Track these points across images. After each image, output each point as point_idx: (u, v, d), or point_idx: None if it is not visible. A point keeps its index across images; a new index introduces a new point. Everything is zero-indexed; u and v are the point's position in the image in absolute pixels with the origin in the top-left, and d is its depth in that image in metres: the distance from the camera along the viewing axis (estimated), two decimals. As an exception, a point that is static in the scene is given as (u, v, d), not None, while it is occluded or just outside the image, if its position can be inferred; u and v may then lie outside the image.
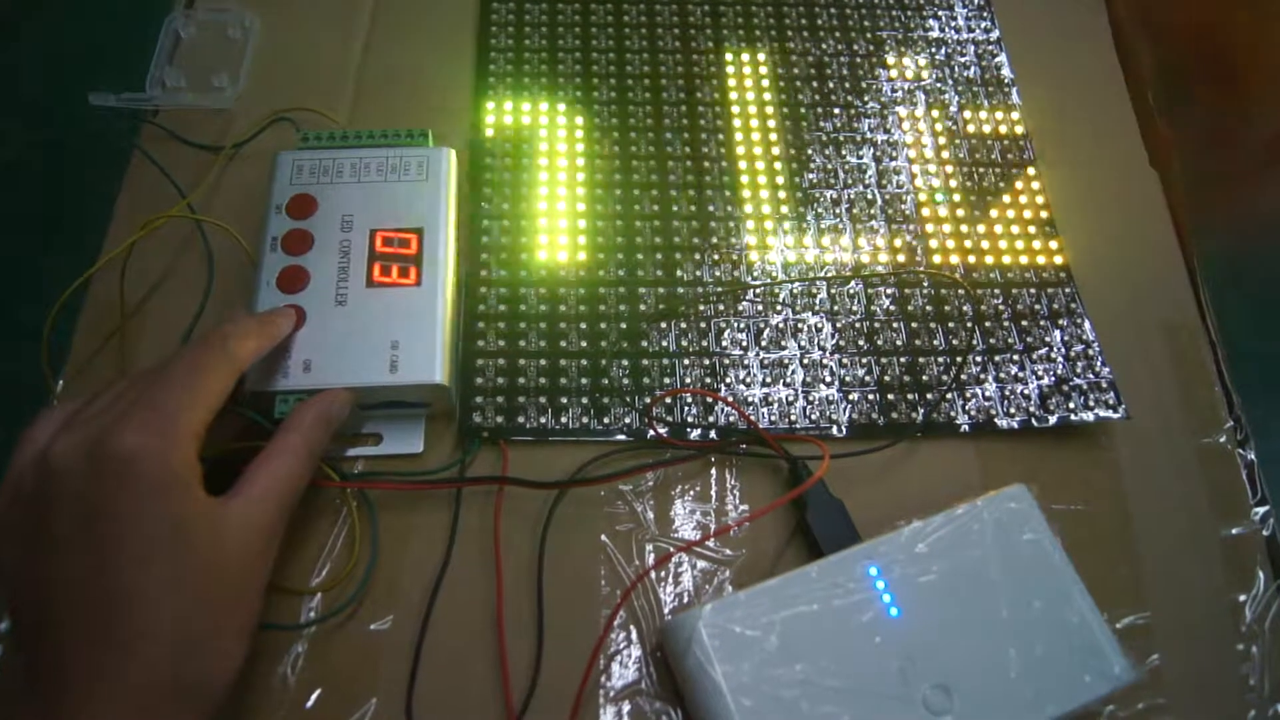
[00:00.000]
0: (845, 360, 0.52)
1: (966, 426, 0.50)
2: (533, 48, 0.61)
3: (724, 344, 0.52)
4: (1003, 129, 0.60)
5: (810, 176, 0.57)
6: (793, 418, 0.50)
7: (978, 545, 0.44)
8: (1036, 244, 0.56)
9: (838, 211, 0.56)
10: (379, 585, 0.45)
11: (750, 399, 0.50)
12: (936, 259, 0.55)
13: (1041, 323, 0.54)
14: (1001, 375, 0.52)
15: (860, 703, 0.40)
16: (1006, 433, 0.50)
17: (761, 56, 0.62)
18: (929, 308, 0.54)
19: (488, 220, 0.54)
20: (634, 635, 0.44)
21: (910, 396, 0.51)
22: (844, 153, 0.59)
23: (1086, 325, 0.54)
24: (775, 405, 0.50)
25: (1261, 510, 0.50)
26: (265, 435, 0.42)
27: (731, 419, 0.50)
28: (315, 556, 0.45)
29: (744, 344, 0.52)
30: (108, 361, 0.50)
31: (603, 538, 0.47)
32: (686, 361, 0.51)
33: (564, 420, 0.49)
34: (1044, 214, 0.57)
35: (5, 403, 0.49)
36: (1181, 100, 0.65)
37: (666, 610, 0.45)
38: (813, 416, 0.50)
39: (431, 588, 0.45)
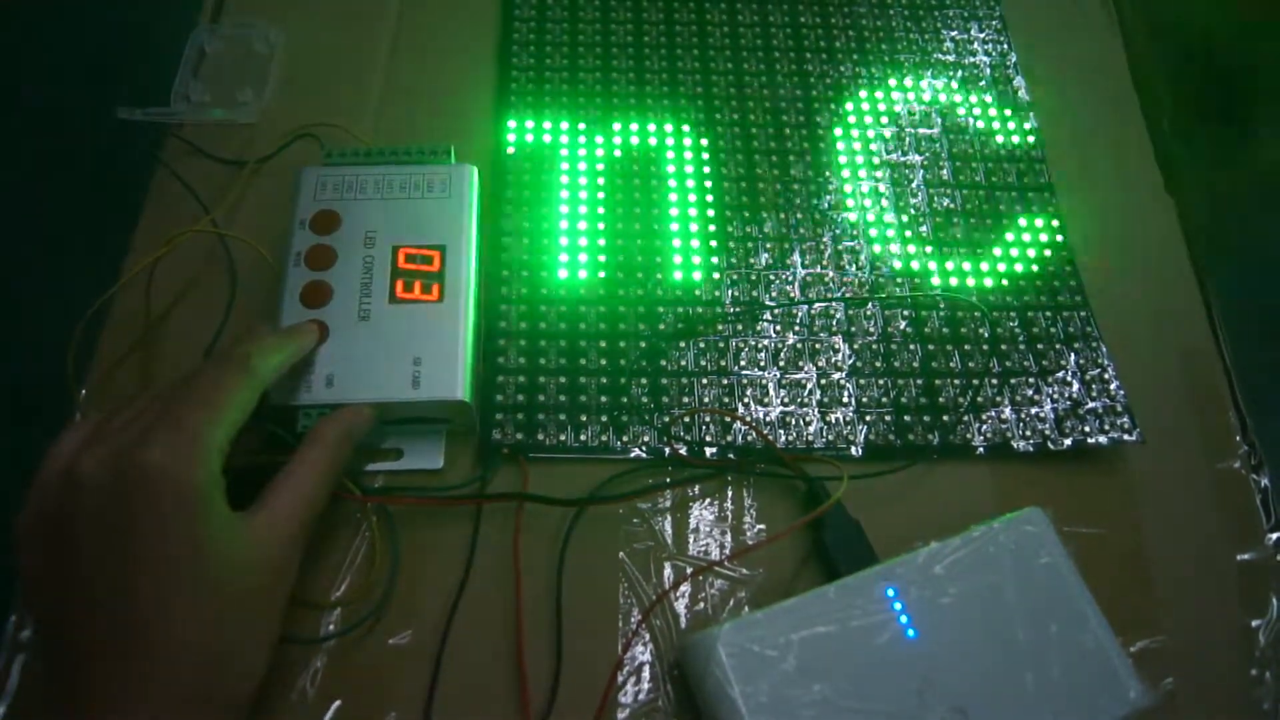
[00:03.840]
0: (862, 381, 0.52)
1: (982, 449, 0.51)
2: (554, 66, 0.62)
3: (742, 364, 0.52)
4: (1019, 152, 0.61)
5: (828, 198, 0.58)
6: (809, 438, 0.50)
7: (994, 568, 0.44)
8: (1052, 267, 0.57)
9: (855, 233, 0.57)
10: (398, 600, 0.45)
11: (768, 419, 0.50)
12: (953, 281, 0.56)
13: (1057, 346, 0.54)
14: (1017, 398, 0.52)
15: (877, 724, 0.40)
16: (1022, 455, 0.51)
17: (780, 78, 0.62)
18: (945, 330, 0.54)
19: (509, 237, 0.55)
20: (651, 653, 0.45)
21: (926, 418, 0.51)
22: (861, 174, 0.59)
23: (1102, 349, 0.54)
24: (792, 425, 0.50)
25: (1275, 535, 0.50)
26: (288, 449, 0.43)
27: (749, 439, 0.50)
28: (335, 570, 0.46)
29: (761, 364, 0.52)
30: (131, 373, 0.50)
31: (621, 555, 0.47)
32: (705, 381, 0.51)
33: (583, 438, 0.49)
34: (1060, 237, 0.58)
35: (31, 413, 0.49)
36: (1197, 125, 0.65)
37: (684, 628, 0.45)
38: (829, 437, 0.50)
39: (451, 603, 0.45)
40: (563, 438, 0.49)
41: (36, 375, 0.51)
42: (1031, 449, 0.51)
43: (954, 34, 0.66)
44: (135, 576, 0.35)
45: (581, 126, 0.59)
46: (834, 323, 0.54)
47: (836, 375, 0.52)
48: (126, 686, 0.34)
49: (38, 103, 0.60)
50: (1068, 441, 0.51)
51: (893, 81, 0.63)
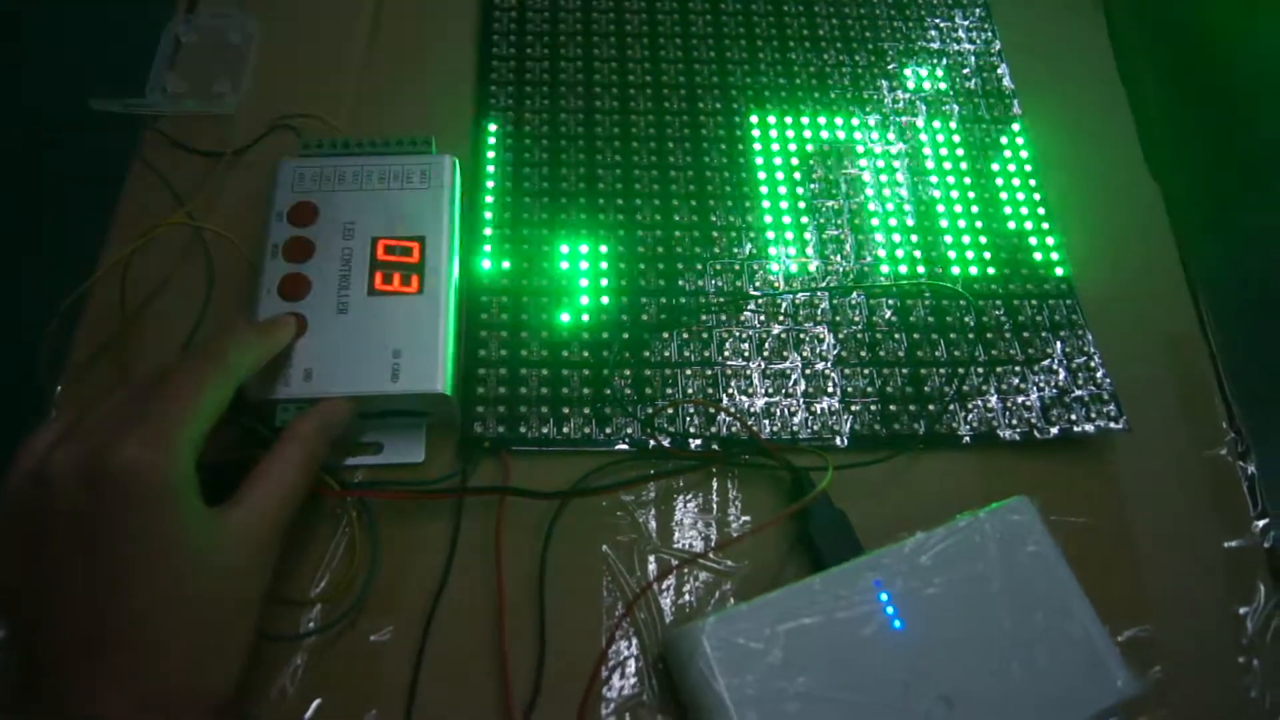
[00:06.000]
0: (847, 371, 0.52)
1: (968, 438, 0.50)
2: (535, 56, 0.61)
3: (726, 354, 0.51)
4: (1004, 140, 0.60)
5: (813, 186, 0.57)
6: (794, 428, 0.50)
7: (980, 558, 0.44)
8: (1038, 255, 0.56)
9: (839, 222, 0.56)
10: (379, 596, 0.45)
11: (752, 410, 0.50)
12: (938, 270, 0.55)
13: (1043, 334, 0.54)
14: (1003, 387, 0.52)
15: (864, 715, 0.40)
16: (1008, 444, 0.50)
17: (763, 66, 0.62)
18: (930, 319, 0.54)
19: (489, 228, 0.54)
20: (636, 646, 0.44)
21: (912, 408, 0.51)
22: (845, 163, 0.59)
23: (1088, 337, 0.54)
24: (777, 416, 0.50)
25: (1262, 523, 0.50)
26: (265, 444, 0.42)
27: (733, 430, 0.49)
28: (315, 566, 0.45)
29: (746, 354, 0.52)
30: (106, 368, 0.50)
31: (604, 548, 0.46)
32: (688, 372, 0.51)
33: (566, 430, 0.48)
34: (1045, 225, 0.57)
35: (4, 410, 0.49)
36: (1182, 109, 0.65)
37: (669, 621, 0.45)
38: (814, 427, 0.50)
39: (432, 598, 0.44)
40: (545, 430, 0.48)
41: (9, 372, 0.50)
42: (1018, 438, 0.50)
43: (939, 22, 0.65)
44: (109, 576, 0.35)
45: (562, 117, 0.58)
46: (819, 312, 0.53)
47: (821, 365, 0.52)
48: (103, 687, 0.34)
49: (10, 93, 0.59)
50: (1054, 430, 0.51)
51: (877, 69, 0.63)
